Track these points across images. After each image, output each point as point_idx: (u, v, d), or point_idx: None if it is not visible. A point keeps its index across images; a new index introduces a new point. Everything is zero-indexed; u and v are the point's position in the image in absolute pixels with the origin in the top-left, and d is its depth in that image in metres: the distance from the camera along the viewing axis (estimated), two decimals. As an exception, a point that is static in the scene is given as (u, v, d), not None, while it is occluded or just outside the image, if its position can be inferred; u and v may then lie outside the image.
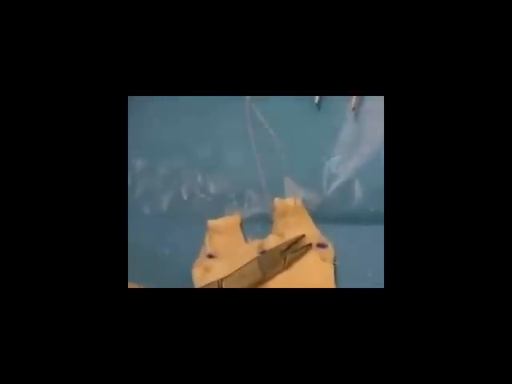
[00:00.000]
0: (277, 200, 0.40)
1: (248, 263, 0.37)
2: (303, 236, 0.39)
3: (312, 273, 0.38)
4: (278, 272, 0.38)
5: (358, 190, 0.39)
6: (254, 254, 0.38)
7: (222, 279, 0.36)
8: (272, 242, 0.39)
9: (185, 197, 0.42)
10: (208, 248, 0.40)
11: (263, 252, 0.38)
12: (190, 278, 0.38)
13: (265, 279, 0.37)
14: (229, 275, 0.36)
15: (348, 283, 0.37)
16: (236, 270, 0.36)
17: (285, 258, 0.38)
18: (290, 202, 0.40)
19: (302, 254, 0.38)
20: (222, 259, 0.39)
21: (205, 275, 0.38)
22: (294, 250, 0.38)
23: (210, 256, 0.40)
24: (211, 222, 0.40)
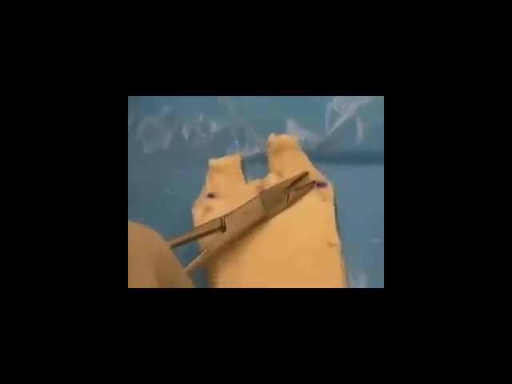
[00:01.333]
0: (271, 136, 0.39)
1: (251, 200, 0.36)
2: (306, 173, 0.38)
3: (312, 212, 0.38)
4: (281, 209, 0.37)
5: (359, 129, 0.39)
6: (254, 193, 0.38)
7: (224, 216, 0.35)
8: (272, 181, 0.38)
9: (186, 136, 0.41)
10: (208, 187, 0.40)
11: (263, 191, 0.38)
12: (190, 216, 0.38)
13: (267, 217, 0.37)
14: (231, 212, 0.36)
15: (348, 224, 0.38)
16: (239, 208, 0.36)
17: (288, 196, 0.37)
18: (284, 138, 0.39)
19: (305, 192, 0.38)
20: (222, 199, 0.39)
21: (205, 214, 0.38)
22: (297, 187, 0.38)
23: (211, 195, 0.40)
24: (212, 162, 0.40)
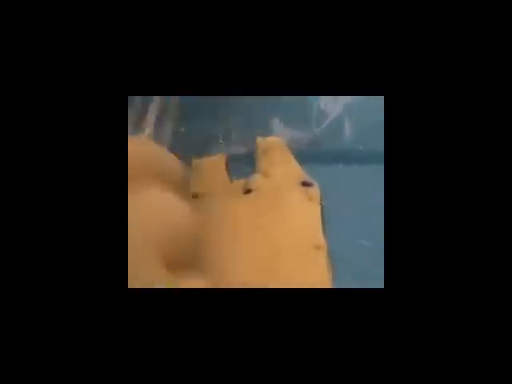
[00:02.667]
0: (259, 138, 0.39)
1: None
2: None
3: (298, 213, 0.38)
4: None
5: (347, 128, 0.39)
6: (239, 193, 0.38)
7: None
8: (257, 181, 0.38)
9: (169, 134, 0.41)
10: (192, 187, 0.39)
11: (248, 191, 0.38)
12: None
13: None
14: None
15: (336, 223, 0.37)
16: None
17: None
18: (271, 139, 0.39)
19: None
20: (206, 199, 0.39)
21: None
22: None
23: (194, 196, 0.39)
24: (195, 161, 0.40)
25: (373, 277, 0.34)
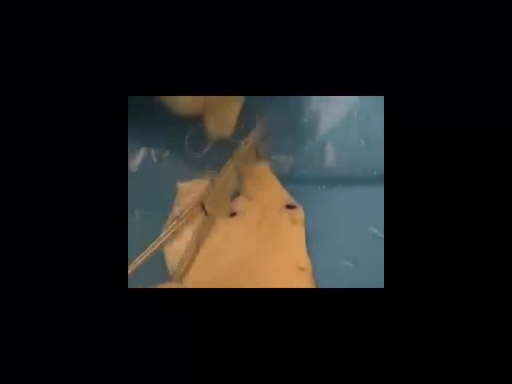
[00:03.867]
0: (245, 167, 0.39)
1: (222, 171, 0.36)
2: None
3: (283, 236, 0.38)
4: (252, 165, 0.37)
5: (330, 151, 0.39)
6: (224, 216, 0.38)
7: (202, 199, 0.34)
8: (241, 204, 0.38)
9: (154, 159, 0.41)
10: (176, 211, 0.39)
11: (233, 214, 0.38)
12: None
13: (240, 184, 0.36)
14: (208, 194, 0.35)
15: (319, 245, 0.38)
16: (213, 186, 0.35)
17: (257, 151, 0.37)
18: (258, 168, 0.39)
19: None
20: (191, 222, 0.39)
21: (173, 238, 0.38)
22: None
23: (179, 218, 0.39)
24: (181, 184, 0.40)
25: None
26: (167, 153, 0.41)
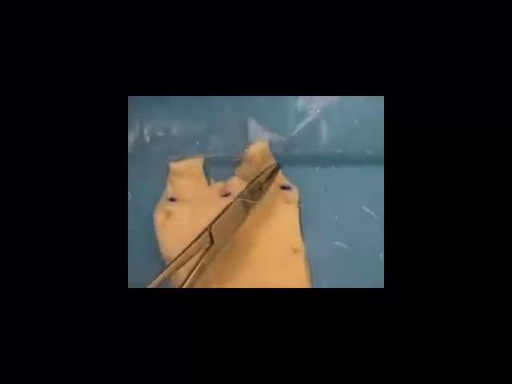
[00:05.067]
0: (248, 147, 0.38)
1: (232, 203, 0.35)
2: (278, 165, 0.38)
3: (277, 217, 0.38)
4: (257, 201, 0.36)
5: (324, 131, 0.39)
6: (216, 196, 0.38)
7: (210, 227, 0.33)
8: (235, 184, 0.38)
9: (147, 139, 0.41)
10: (169, 191, 0.39)
11: (227, 194, 0.38)
12: (151, 222, 0.37)
13: (245, 216, 0.36)
14: (215, 221, 0.34)
15: (313, 226, 0.37)
16: (221, 214, 0.34)
17: (260, 187, 0.37)
18: (258, 144, 0.39)
19: (273, 179, 0.37)
20: (184, 202, 0.38)
21: (166, 219, 0.37)
22: (267, 176, 0.37)
23: (172, 199, 0.39)
24: (173, 165, 0.39)
25: (350, 278, 0.35)
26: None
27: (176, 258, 0.32)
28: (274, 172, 0.37)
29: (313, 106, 0.39)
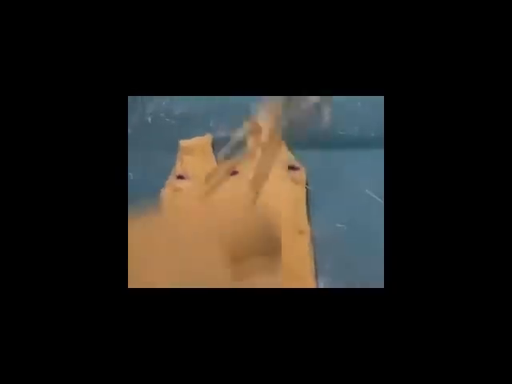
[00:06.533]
0: (250, 121, 0.38)
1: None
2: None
3: (284, 195, 0.38)
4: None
5: (326, 114, 0.39)
6: (225, 174, 0.37)
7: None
8: (244, 163, 0.37)
9: (149, 119, 0.41)
10: (178, 169, 0.39)
11: (235, 172, 0.38)
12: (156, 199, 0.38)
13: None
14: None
15: (319, 207, 0.38)
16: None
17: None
18: (262, 123, 0.38)
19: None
20: (192, 180, 0.39)
21: (174, 195, 0.38)
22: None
23: (180, 177, 0.39)
24: (183, 142, 0.40)
25: (352, 262, 0.35)
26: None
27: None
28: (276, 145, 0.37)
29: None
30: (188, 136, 0.40)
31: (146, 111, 0.41)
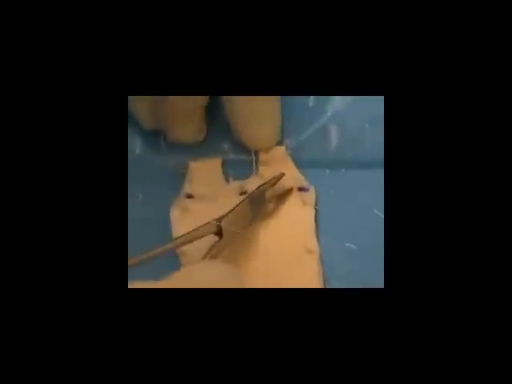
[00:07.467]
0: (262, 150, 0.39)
1: (241, 203, 0.35)
2: (283, 174, 0.38)
3: (293, 217, 0.38)
4: (262, 213, 0.37)
5: (333, 135, 0.39)
6: (234, 195, 0.38)
7: (220, 220, 0.34)
8: (253, 183, 0.38)
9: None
10: (187, 188, 0.39)
11: (243, 193, 0.38)
12: (166, 219, 0.38)
13: (253, 219, 0.36)
14: (225, 216, 0.34)
15: (327, 227, 0.38)
16: (230, 211, 0.35)
17: (269, 198, 0.37)
18: (276, 149, 0.39)
19: (285, 198, 0.38)
20: (201, 200, 0.39)
21: (183, 215, 0.38)
22: (277, 194, 0.37)
23: (189, 196, 0.39)
24: (192, 163, 0.40)
25: (359, 280, 0.35)
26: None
27: (176, 238, 0.32)
28: (286, 193, 0.38)
29: (324, 109, 0.39)
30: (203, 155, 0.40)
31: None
